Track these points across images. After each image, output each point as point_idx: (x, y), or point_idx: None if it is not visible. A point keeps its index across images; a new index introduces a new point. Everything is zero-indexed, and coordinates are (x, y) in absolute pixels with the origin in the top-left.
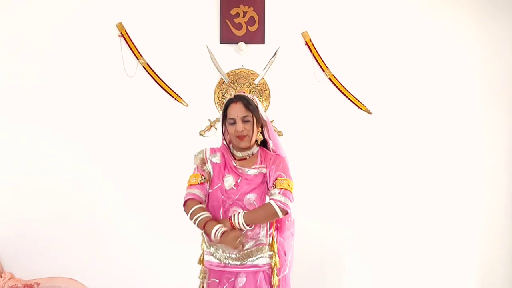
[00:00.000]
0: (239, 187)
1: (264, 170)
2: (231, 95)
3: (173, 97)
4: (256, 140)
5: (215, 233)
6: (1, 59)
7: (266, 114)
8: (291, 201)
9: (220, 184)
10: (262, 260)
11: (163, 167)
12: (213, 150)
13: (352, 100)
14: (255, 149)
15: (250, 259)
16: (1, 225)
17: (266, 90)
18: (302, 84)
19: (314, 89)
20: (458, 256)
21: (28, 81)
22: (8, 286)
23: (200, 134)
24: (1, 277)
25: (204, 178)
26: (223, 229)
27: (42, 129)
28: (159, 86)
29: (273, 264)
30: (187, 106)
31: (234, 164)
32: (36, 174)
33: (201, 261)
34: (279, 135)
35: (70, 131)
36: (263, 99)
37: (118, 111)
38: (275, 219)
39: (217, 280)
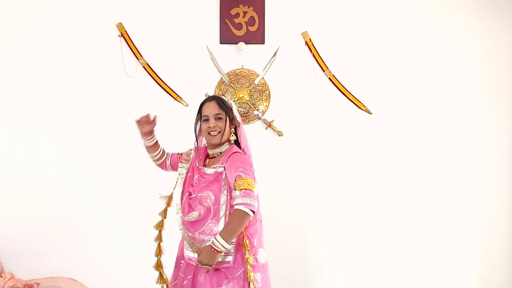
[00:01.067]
0: (196, 184)
1: (220, 170)
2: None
3: (173, 97)
4: (230, 141)
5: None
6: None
7: (265, 116)
8: (254, 199)
9: (190, 174)
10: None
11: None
12: (197, 148)
13: (352, 100)
14: (225, 147)
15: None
16: (1, 225)
17: (266, 90)
18: (302, 84)
19: (314, 89)
20: (459, 256)
21: (28, 81)
22: (8, 286)
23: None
24: (1, 277)
25: (181, 157)
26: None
27: (42, 130)
28: (159, 86)
29: (246, 262)
30: (187, 106)
31: (197, 164)
32: (36, 174)
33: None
34: (279, 135)
35: (70, 132)
36: (263, 99)
37: (118, 111)
38: (248, 221)
39: (182, 275)
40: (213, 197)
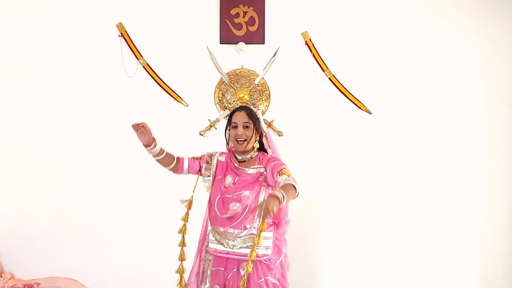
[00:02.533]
0: (236, 184)
1: (261, 170)
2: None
3: (173, 97)
4: (254, 148)
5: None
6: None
7: (265, 116)
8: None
9: (220, 177)
10: (260, 250)
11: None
12: (221, 153)
13: (352, 100)
14: (254, 153)
15: (245, 245)
16: (1, 225)
17: (266, 90)
18: (302, 84)
19: (314, 89)
20: (459, 256)
21: (27, 81)
22: (8, 286)
23: (200, 134)
24: (1, 277)
25: (202, 160)
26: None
27: (41, 129)
28: (159, 86)
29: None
30: (187, 106)
31: (236, 165)
32: (36, 173)
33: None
34: (279, 135)
35: (69, 131)
36: (263, 99)
37: (118, 111)
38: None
39: (223, 269)
40: (251, 196)
